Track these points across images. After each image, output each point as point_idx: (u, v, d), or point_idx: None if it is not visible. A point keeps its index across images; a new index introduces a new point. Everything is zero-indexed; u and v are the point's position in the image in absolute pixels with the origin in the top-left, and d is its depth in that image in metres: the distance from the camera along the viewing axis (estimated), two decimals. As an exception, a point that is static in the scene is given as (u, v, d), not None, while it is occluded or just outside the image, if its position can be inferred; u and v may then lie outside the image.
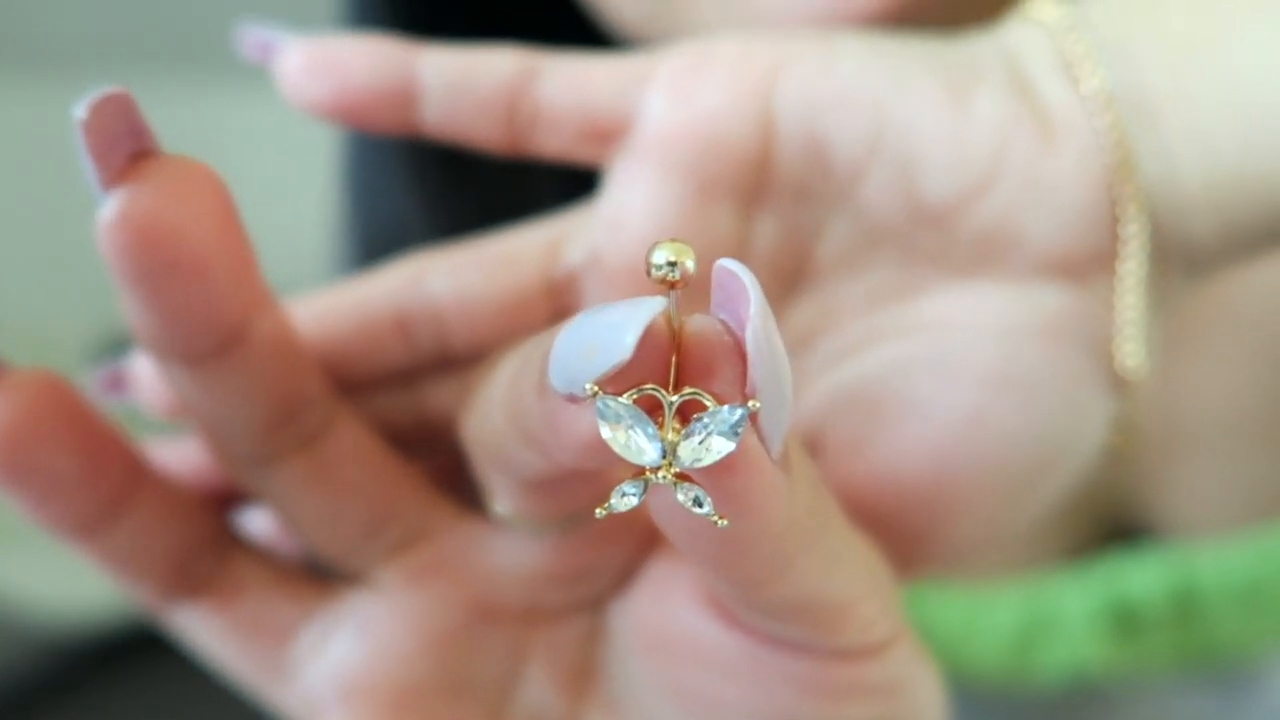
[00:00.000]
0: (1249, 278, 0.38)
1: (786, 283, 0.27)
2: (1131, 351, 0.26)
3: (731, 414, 0.18)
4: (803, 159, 0.26)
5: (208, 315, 0.22)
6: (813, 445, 0.26)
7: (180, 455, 0.27)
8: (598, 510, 0.19)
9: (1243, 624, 0.40)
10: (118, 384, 0.27)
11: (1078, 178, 0.25)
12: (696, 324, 0.18)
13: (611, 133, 0.27)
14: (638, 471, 0.19)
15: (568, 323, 0.19)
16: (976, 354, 0.26)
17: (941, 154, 0.25)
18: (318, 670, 0.26)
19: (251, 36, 0.27)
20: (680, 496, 0.19)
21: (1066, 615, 0.41)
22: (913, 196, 0.25)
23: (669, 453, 0.18)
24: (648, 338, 0.18)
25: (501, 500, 0.24)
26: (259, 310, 0.23)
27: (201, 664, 0.27)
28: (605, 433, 0.18)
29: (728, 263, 0.18)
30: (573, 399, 0.19)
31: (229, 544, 0.26)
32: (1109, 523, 0.41)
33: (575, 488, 0.23)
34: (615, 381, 0.18)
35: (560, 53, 0.27)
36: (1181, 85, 0.25)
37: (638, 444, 0.18)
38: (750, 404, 0.18)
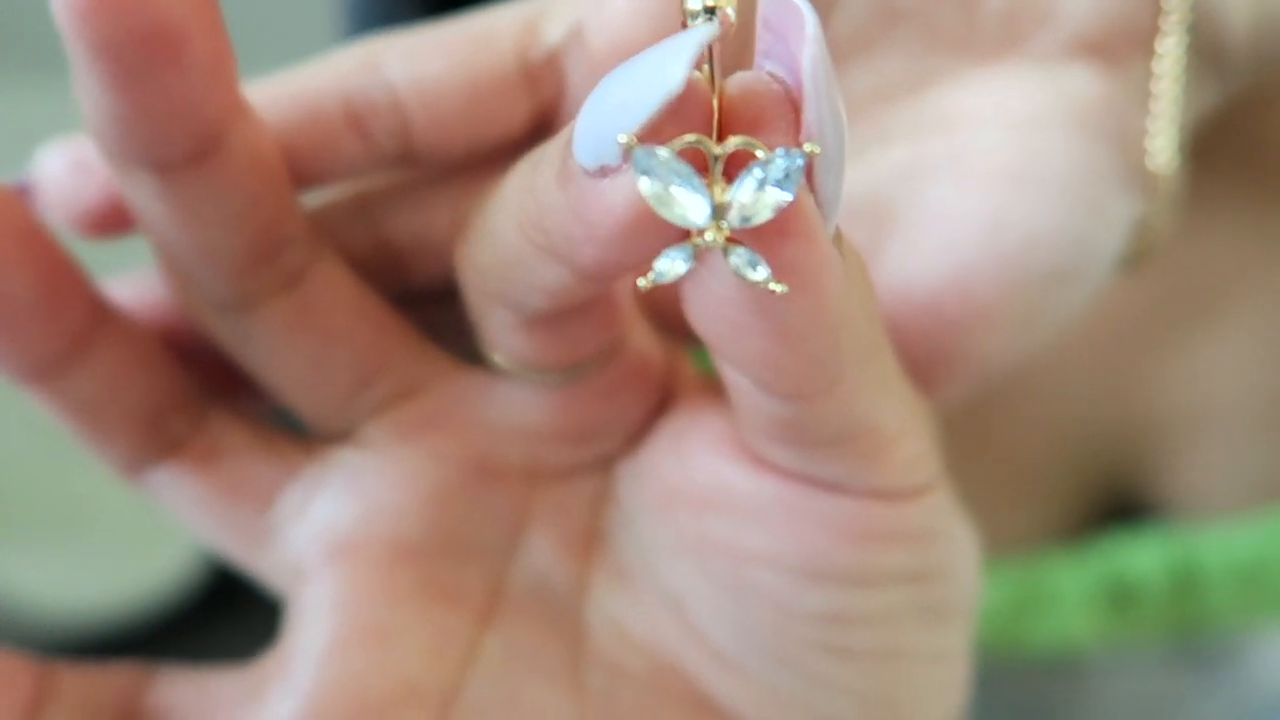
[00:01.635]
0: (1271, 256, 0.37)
1: None
2: (1163, 147, 0.24)
3: (788, 158, 0.16)
4: None
5: (184, 104, 0.20)
6: None
7: (133, 292, 0.25)
8: (639, 281, 0.17)
9: (1241, 603, 0.39)
10: (23, 197, 0.24)
11: None
12: (740, 76, 0.17)
13: None
14: (682, 235, 0.17)
15: (593, 91, 0.17)
16: (995, 150, 0.24)
17: None
18: (303, 531, 0.24)
19: None
20: (734, 260, 0.17)
21: (1062, 593, 0.39)
22: None
23: (718, 213, 0.16)
24: (687, 91, 0.16)
25: (502, 344, 0.22)
26: (239, 115, 0.21)
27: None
28: (645, 188, 0.16)
29: None
30: (604, 171, 0.17)
31: (202, 400, 0.24)
32: (1109, 500, 0.40)
33: (583, 324, 0.22)
34: (654, 134, 0.16)
35: None
36: None
37: (683, 200, 0.16)
38: (808, 147, 0.16)
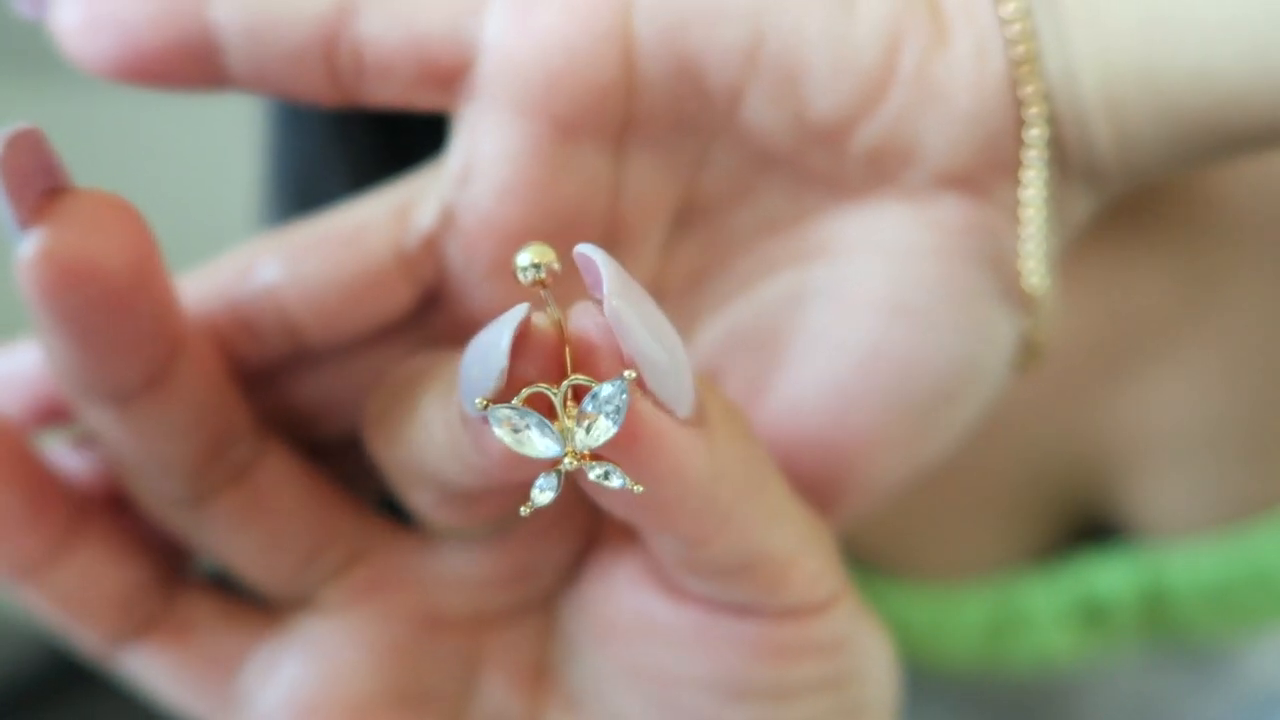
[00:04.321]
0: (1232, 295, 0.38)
1: (672, 222, 0.25)
2: (1034, 268, 0.25)
3: (611, 388, 0.19)
4: (672, 82, 0.23)
5: (135, 351, 0.22)
6: None
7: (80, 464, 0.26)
8: (521, 509, 0.19)
9: (1210, 620, 0.40)
10: None
11: (975, 78, 0.23)
12: (574, 313, 0.19)
13: (452, 72, 0.24)
14: (552, 464, 0.19)
15: (465, 349, 0.19)
16: (871, 280, 0.24)
17: (827, 63, 0.23)
18: (269, 697, 0.25)
19: None
20: (592, 475, 0.19)
21: (1035, 614, 0.40)
22: (799, 115, 0.23)
23: (568, 439, 0.19)
24: (532, 341, 0.19)
25: (428, 518, 0.24)
26: (184, 342, 0.23)
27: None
28: (504, 438, 0.19)
29: (583, 248, 0.19)
30: (474, 420, 0.19)
31: (174, 578, 0.26)
32: (1078, 522, 0.41)
33: (502, 495, 0.23)
34: (508, 389, 0.19)
35: None
36: None
37: (537, 441, 0.19)
38: (625, 374, 0.19)
